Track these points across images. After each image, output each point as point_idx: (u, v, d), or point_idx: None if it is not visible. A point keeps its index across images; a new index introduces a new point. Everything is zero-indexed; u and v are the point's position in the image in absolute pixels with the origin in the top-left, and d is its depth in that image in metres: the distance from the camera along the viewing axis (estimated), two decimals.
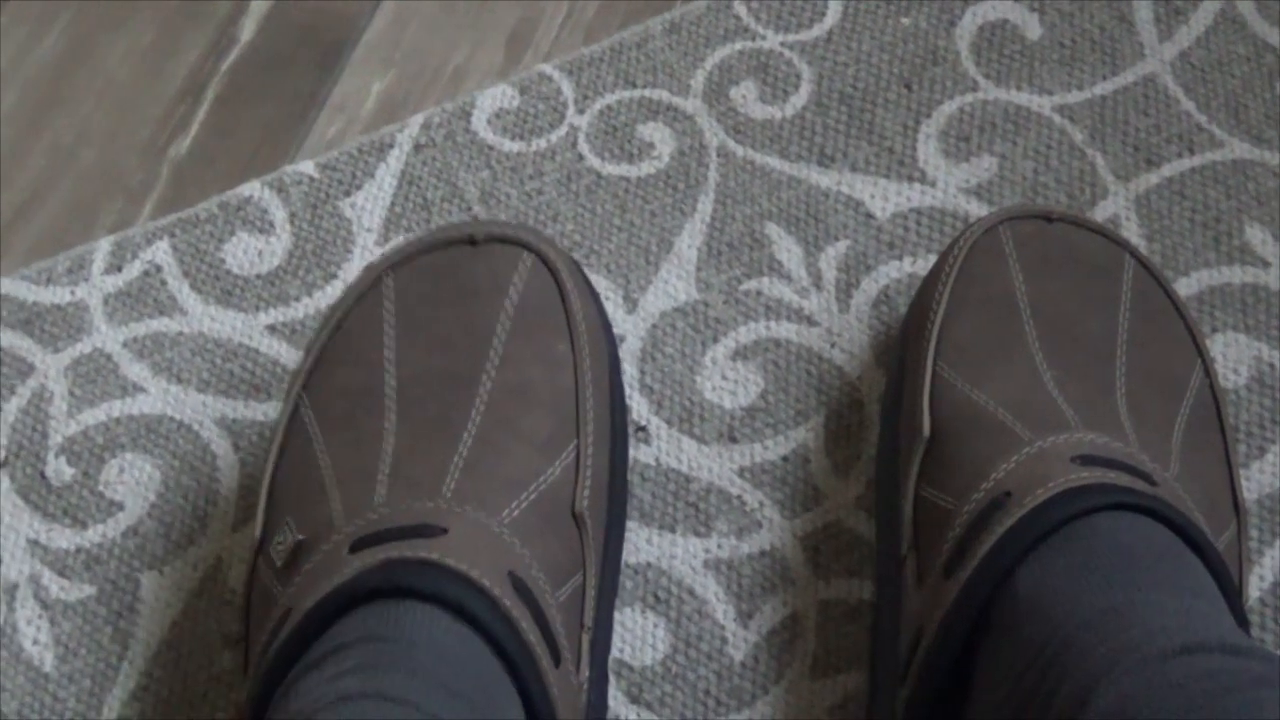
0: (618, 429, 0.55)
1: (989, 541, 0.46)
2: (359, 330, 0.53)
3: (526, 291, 0.53)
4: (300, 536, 0.48)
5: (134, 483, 0.59)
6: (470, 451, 0.49)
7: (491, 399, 0.51)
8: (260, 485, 0.52)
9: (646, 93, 0.67)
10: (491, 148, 0.66)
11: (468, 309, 0.52)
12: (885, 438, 0.57)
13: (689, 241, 0.63)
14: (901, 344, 0.57)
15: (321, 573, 0.46)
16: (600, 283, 0.62)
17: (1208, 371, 0.55)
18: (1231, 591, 0.46)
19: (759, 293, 0.62)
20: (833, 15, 0.68)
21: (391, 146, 0.66)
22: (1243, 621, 0.46)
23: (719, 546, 0.57)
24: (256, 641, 0.49)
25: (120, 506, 0.59)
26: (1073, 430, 0.49)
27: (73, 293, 0.63)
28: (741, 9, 0.68)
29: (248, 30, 0.71)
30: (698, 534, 0.58)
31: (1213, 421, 0.54)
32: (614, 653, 0.55)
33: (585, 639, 0.50)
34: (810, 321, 0.61)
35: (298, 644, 0.45)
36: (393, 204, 0.65)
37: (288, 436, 0.52)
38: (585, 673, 0.49)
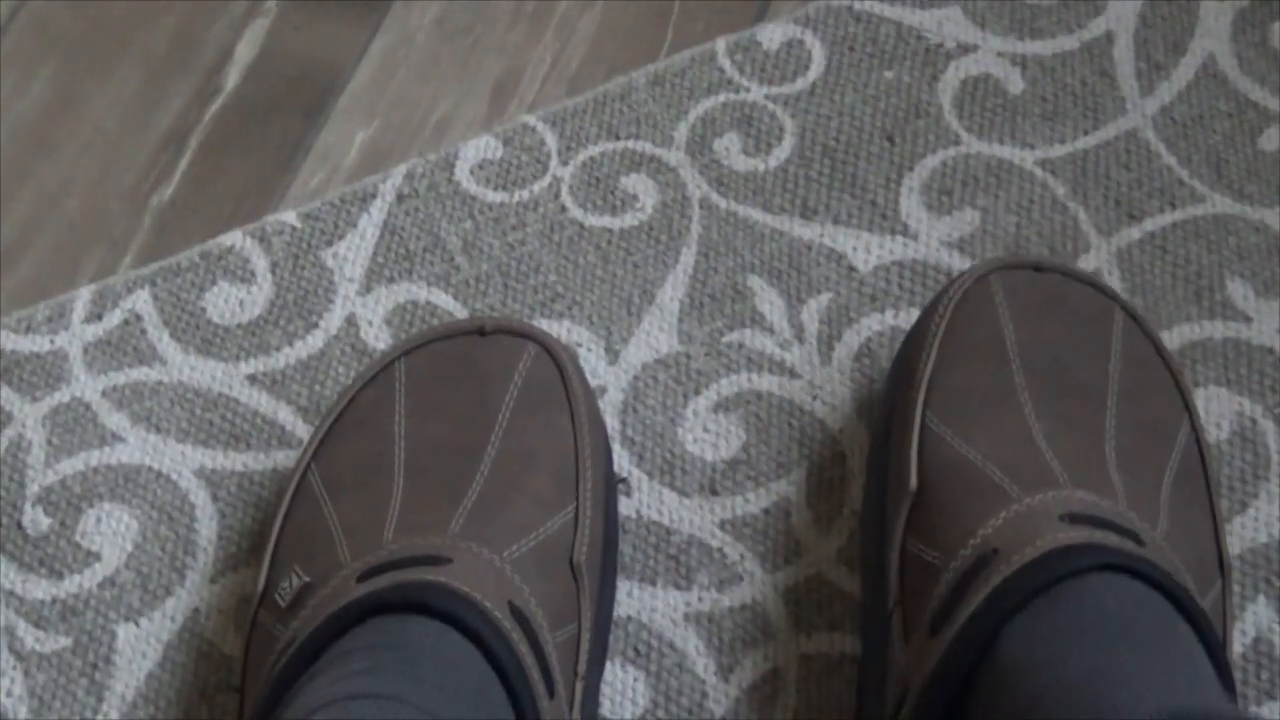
0: (611, 508, 0.56)
1: (975, 600, 0.45)
2: (371, 406, 0.56)
3: (531, 375, 0.55)
4: (308, 579, 0.50)
5: (111, 533, 0.59)
6: (475, 502, 0.51)
7: (496, 463, 0.53)
8: (265, 544, 0.53)
9: (630, 144, 0.67)
10: (474, 198, 0.66)
11: (476, 390, 0.55)
12: (871, 488, 0.57)
13: (671, 293, 0.63)
14: (889, 392, 0.57)
15: (329, 602, 0.48)
16: (582, 334, 0.62)
17: (1194, 425, 0.55)
18: (1218, 651, 0.45)
19: (741, 345, 0.62)
20: (816, 68, 0.68)
21: (374, 196, 0.66)
22: (1228, 681, 0.46)
23: (700, 599, 0.57)
24: (254, 688, 0.50)
25: (97, 557, 0.59)
26: (1061, 487, 0.49)
27: (52, 341, 0.63)
28: (725, 61, 0.69)
29: (232, 79, 0.71)
30: (679, 587, 0.57)
31: (1199, 475, 0.54)
32: (597, 710, 0.55)
33: (579, 686, 0.50)
34: (792, 374, 0.61)
35: (303, 660, 0.46)
36: (375, 254, 0.65)
37: (293, 502, 0.54)
38: (577, 717, 0.49)
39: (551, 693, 0.48)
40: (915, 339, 0.56)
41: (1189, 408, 0.55)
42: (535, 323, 0.63)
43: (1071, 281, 0.56)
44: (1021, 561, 0.45)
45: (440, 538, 0.50)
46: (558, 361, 0.56)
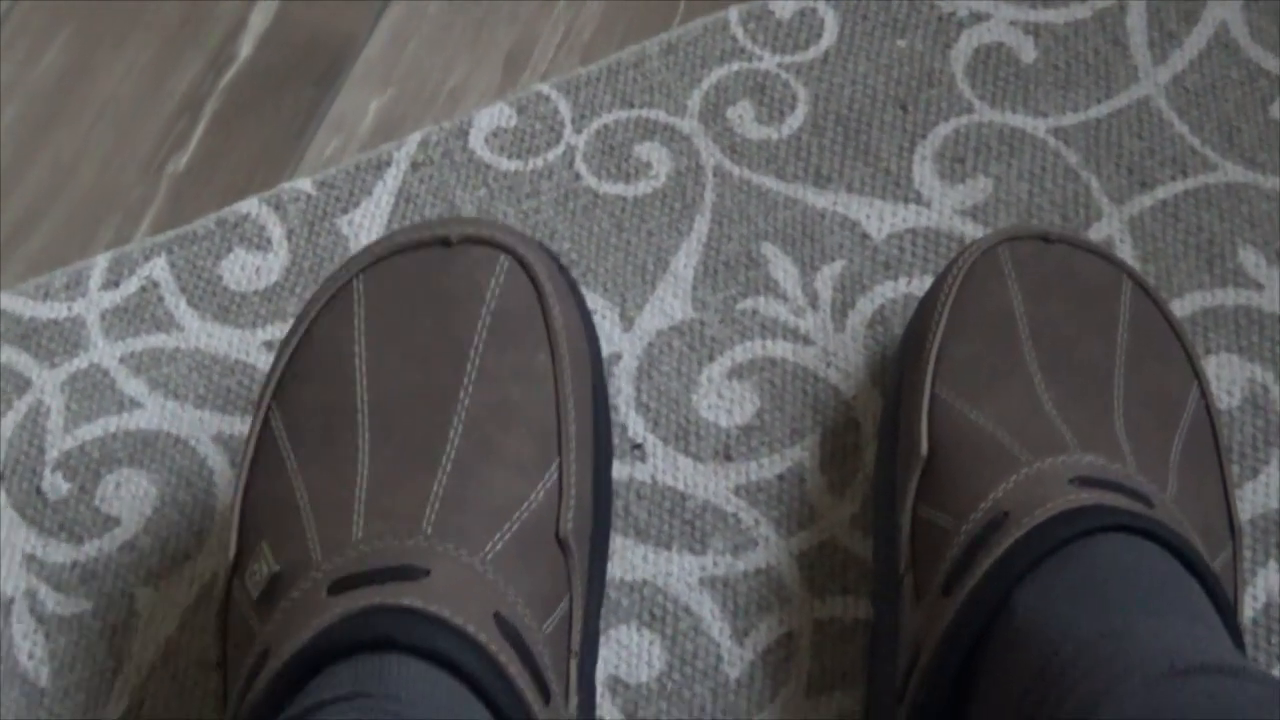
0: (601, 440, 0.54)
1: (987, 562, 0.46)
2: (329, 339, 0.51)
3: (503, 297, 0.51)
4: (276, 568, 0.47)
5: (130, 498, 0.59)
6: (449, 480, 0.48)
7: (469, 419, 0.49)
8: (233, 503, 0.50)
9: (643, 113, 0.67)
10: (489, 166, 0.66)
11: (443, 317, 0.50)
12: (883, 455, 0.57)
13: (685, 261, 0.64)
14: (899, 363, 0.57)
15: (299, 613, 0.45)
16: (597, 301, 0.63)
17: (1204, 393, 0.55)
18: (1228, 613, 0.46)
19: (755, 312, 0.62)
20: (829, 37, 0.68)
21: (389, 164, 0.66)
22: (1239, 642, 0.46)
23: (715, 564, 0.57)
24: (234, 675, 0.48)
25: (116, 522, 0.59)
26: (1071, 451, 0.49)
27: (70, 308, 0.63)
28: (738, 30, 0.69)
29: (246, 47, 0.71)
30: (693, 551, 0.58)
31: (1209, 443, 0.54)
32: (610, 669, 0.55)
33: (573, 664, 0.49)
34: (806, 341, 0.62)
35: (279, 693, 0.43)
36: (390, 222, 0.65)
37: (259, 451, 0.50)
38: (574, 699, 0.49)
39: (547, 698, 0.46)
40: (925, 309, 0.56)
41: (1198, 376, 0.55)
42: None
43: (1080, 252, 0.56)
44: (1032, 524, 0.46)
45: (414, 538, 0.46)
46: (533, 277, 0.51)
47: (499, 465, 0.49)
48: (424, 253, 0.51)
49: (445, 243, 0.51)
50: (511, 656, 0.44)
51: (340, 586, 0.45)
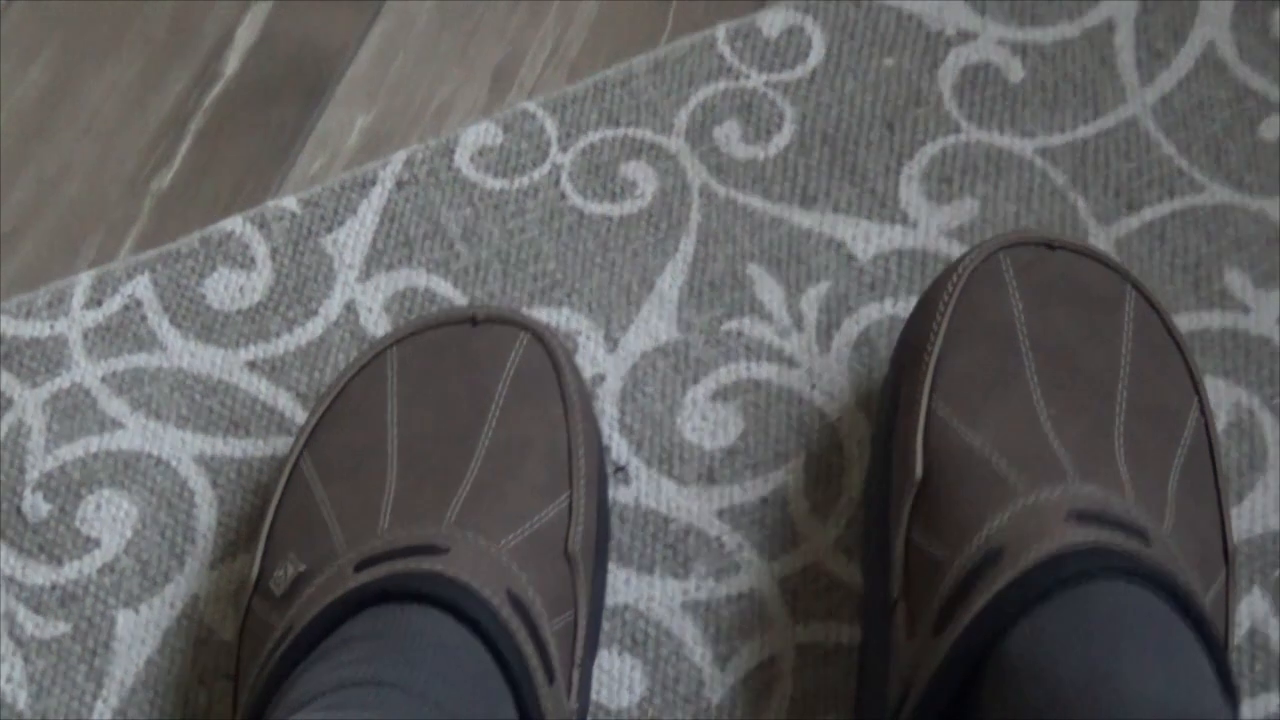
0: (603, 496, 0.56)
1: (980, 601, 0.45)
2: (362, 394, 0.56)
3: (523, 363, 0.55)
4: (302, 567, 0.50)
5: (111, 519, 0.59)
6: (470, 490, 0.51)
7: (490, 451, 0.53)
8: (259, 533, 0.53)
9: (630, 131, 0.67)
10: (474, 185, 0.66)
11: (468, 378, 0.55)
12: (875, 467, 0.56)
13: (671, 281, 0.63)
14: (895, 372, 0.56)
15: (325, 591, 0.48)
16: (581, 321, 0.62)
17: (1203, 409, 0.54)
18: (1220, 655, 0.45)
19: (740, 333, 0.62)
20: (816, 55, 0.68)
21: (374, 183, 0.66)
22: (1229, 684, 0.46)
23: (697, 588, 0.57)
24: (248, 674, 0.50)
25: (96, 543, 0.59)
26: (1068, 482, 0.48)
27: (52, 327, 0.63)
28: (726, 48, 0.69)
29: (232, 64, 0.71)
30: (676, 575, 0.57)
31: (1206, 462, 0.54)
32: (591, 694, 0.55)
33: (576, 673, 0.50)
34: (791, 363, 0.61)
35: (301, 648, 0.46)
36: (374, 240, 0.65)
37: (286, 490, 0.54)
38: (574, 704, 0.50)
39: (551, 679, 0.48)
40: (923, 316, 0.55)
41: (1199, 391, 0.55)
42: (534, 311, 0.63)
43: (1083, 260, 0.55)
44: (1027, 564, 0.45)
45: (436, 527, 0.50)
46: (549, 350, 0.56)
47: (516, 484, 0.52)
48: (452, 329, 0.57)
49: (472, 321, 0.56)
50: (521, 627, 0.47)
51: (365, 565, 0.48)
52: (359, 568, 0.48)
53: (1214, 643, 0.45)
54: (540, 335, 0.56)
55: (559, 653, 0.49)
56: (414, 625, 0.46)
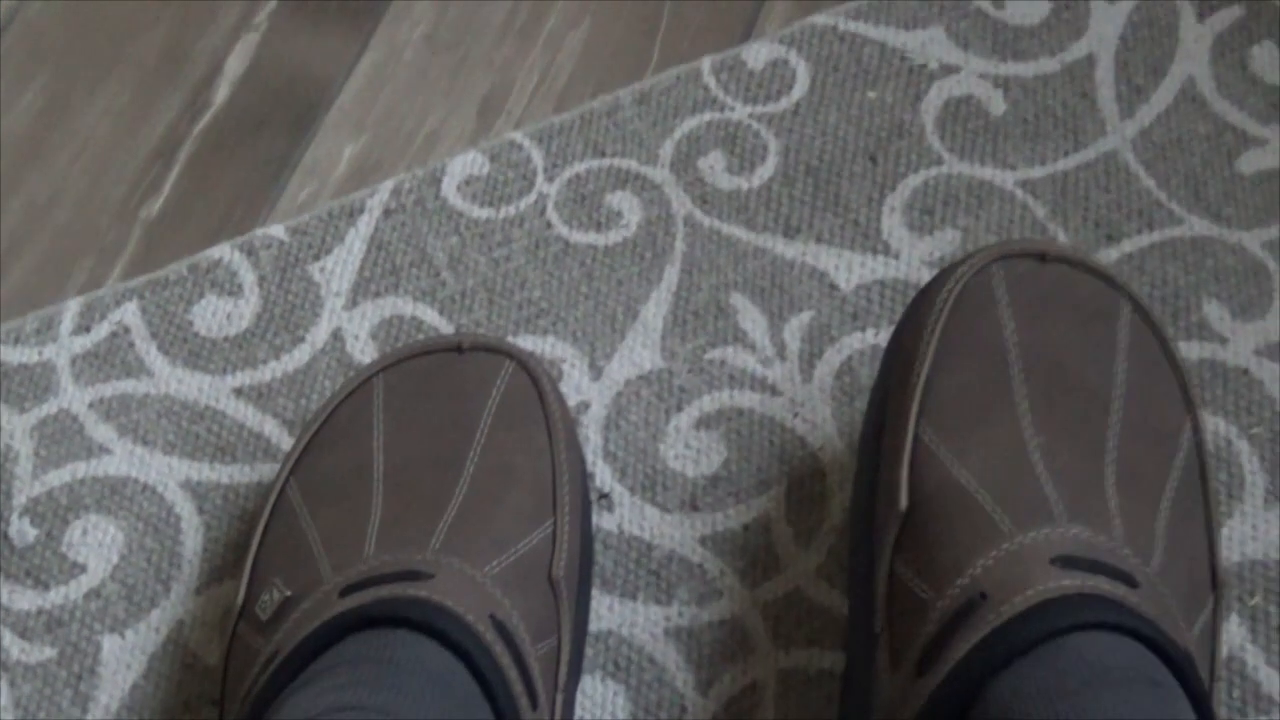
0: (587, 524, 0.57)
1: (963, 647, 0.45)
2: (349, 422, 0.56)
3: (508, 391, 0.56)
4: (288, 593, 0.50)
5: (97, 544, 0.59)
6: (455, 517, 0.52)
7: (475, 478, 0.53)
8: (245, 558, 0.53)
9: (615, 162, 0.68)
10: (461, 214, 0.67)
11: (454, 405, 0.55)
12: (860, 490, 0.55)
13: (655, 310, 0.64)
14: (882, 391, 0.55)
15: (311, 616, 0.48)
16: (566, 350, 0.63)
17: (1196, 429, 0.54)
18: (1203, 703, 0.45)
19: (723, 362, 0.63)
20: (800, 88, 0.69)
21: (361, 211, 0.67)
22: None
23: (680, 614, 0.58)
24: (233, 699, 0.50)
25: (83, 568, 0.59)
26: (1055, 522, 0.47)
27: (40, 353, 0.64)
28: (711, 80, 0.69)
29: (222, 93, 0.72)
30: (659, 602, 0.58)
31: (1197, 485, 0.53)
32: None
33: (559, 699, 0.51)
34: (773, 391, 0.62)
35: (286, 674, 0.47)
36: (361, 269, 0.65)
37: (273, 516, 0.55)
38: None
39: (535, 704, 0.48)
40: (913, 331, 0.54)
41: (1192, 410, 0.54)
42: (519, 339, 0.63)
43: (1078, 272, 0.54)
44: (1010, 613, 0.45)
45: (421, 553, 0.50)
46: (534, 378, 0.56)
47: (501, 511, 0.52)
48: (439, 356, 0.57)
49: (458, 349, 0.57)
50: (504, 652, 0.48)
51: (350, 590, 0.49)
52: (344, 593, 0.49)
53: (1197, 691, 0.45)
54: (525, 363, 0.57)
55: (543, 678, 0.50)
56: (399, 651, 0.46)
